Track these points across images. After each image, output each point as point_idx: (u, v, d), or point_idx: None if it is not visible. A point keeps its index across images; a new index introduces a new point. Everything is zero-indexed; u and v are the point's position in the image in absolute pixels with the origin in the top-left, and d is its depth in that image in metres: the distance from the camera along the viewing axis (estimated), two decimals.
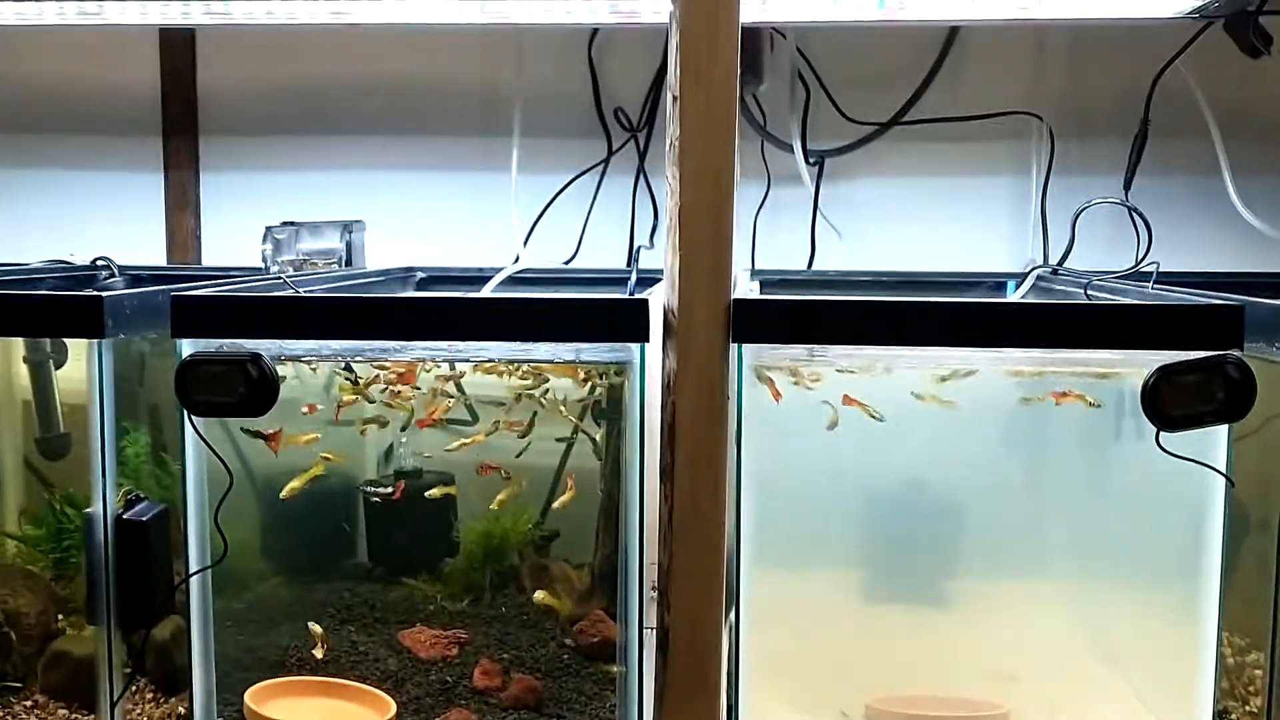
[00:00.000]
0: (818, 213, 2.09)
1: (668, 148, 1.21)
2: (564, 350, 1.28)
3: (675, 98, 1.19)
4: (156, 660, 1.49)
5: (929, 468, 1.39)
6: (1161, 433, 1.17)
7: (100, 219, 2.27)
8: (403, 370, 1.41)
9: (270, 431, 1.32)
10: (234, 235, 2.21)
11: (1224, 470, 1.25)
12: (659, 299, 1.26)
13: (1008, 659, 1.43)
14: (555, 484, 1.58)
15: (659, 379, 1.25)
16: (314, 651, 1.47)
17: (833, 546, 1.39)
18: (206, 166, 2.25)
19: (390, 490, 1.61)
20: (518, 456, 1.48)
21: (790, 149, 2.06)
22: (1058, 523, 1.42)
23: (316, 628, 1.49)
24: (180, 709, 1.46)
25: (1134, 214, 1.69)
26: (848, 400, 1.31)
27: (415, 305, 1.29)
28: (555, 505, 1.49)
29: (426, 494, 1.63)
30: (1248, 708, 1.36)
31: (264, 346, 1.26)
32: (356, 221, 2.07)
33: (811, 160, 2.07)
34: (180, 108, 2.24)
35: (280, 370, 1.38)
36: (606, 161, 2.12)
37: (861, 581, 1.43)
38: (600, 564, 1.60)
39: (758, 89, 2.04)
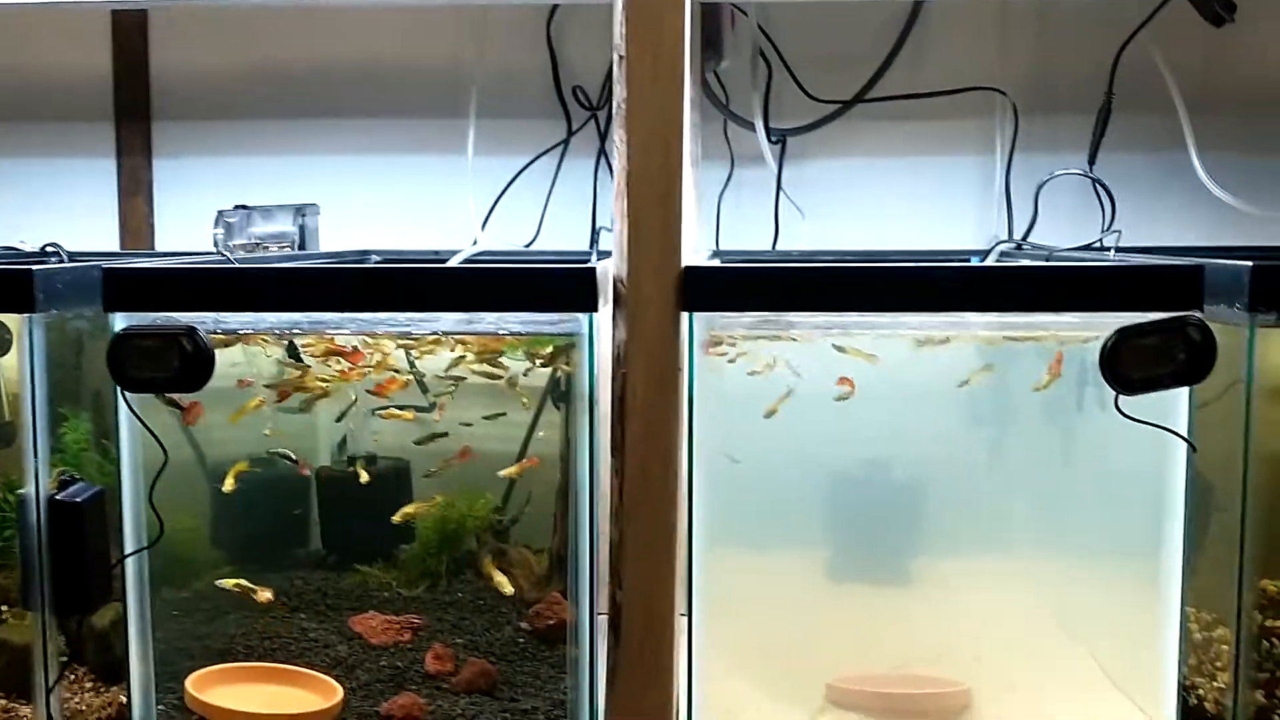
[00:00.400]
0: (781, 192, 2.06)
1: (615, 111, 1.18)
2: (511, 322, 1.24)
3: (621, 58, 1.16)
4: (97, 648, 1.44)
5: (890, 442, 1.36)
6: (1120, 396, 1.14)
7: (52, 206, 2.21)
8: (346, 345, 1.38)
9: (186, 403, 1.28)
10: (189, 221, 2.16)
11: (1184, 435, 1.23)
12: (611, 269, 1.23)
13: (970, 637, 1.40)
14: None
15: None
16: (257, 598, 1.43)
17: (790, 523, 1.36)
18: (160, 152, 2.20)
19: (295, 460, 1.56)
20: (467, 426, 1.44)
21: (753, 128, 2.03)
22: (1021, 496, 1.39)
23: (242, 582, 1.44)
24: (122, 698, 1.42)
25: (1097, 186, 1.66)
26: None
27: (353, 276, 1.25)
28: (504, 472, 1.45)
29: (360, 478, 1.59)
30: (1215, 683, 1.33)
31: (201, 321, 1.22)
32: (310, 205, 2.03)
33: (774, 139, 2.03)
34: (133, 92, 2.19)
35: (233, 354, 1.35)
36: (566, 142, 2.09)
37: (821, 559, 1.40)
38: (558, 547, 1.56)
39: (718, 66, 2.01)
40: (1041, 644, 1.39)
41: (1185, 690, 1.37)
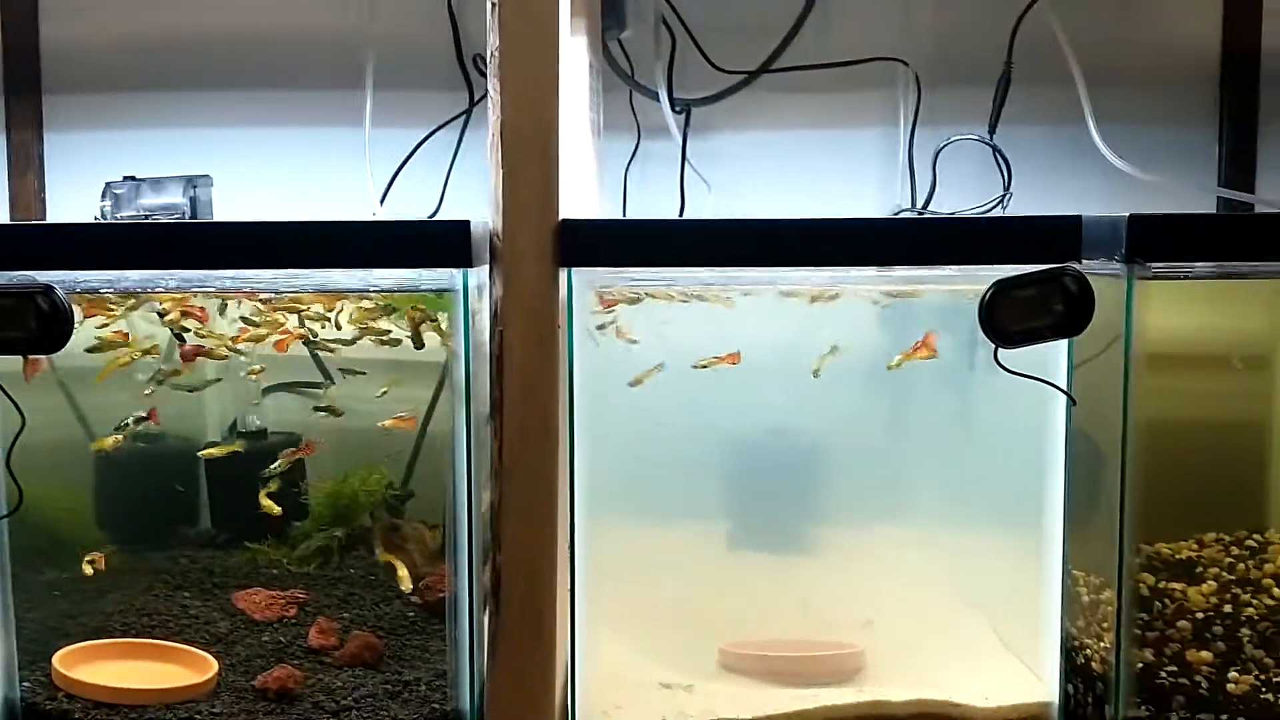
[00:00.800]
0: (685, 164, 2.03)
1: (489, 59, 1.15)
2: (384, 281, 1.21)
3: (494, 5, 1.13)
4: None
5: (778, 405, 1.35)
6: (999, 350, 1.13)
7: None
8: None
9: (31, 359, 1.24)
10: (81, 196, 2.09)
11: (1062, 387, 1.22)
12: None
13: (865, 602, 1.39)
14: (419, 444, 1.51)
15: None
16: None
17: (675, 488, 1.34)
18: (51, 126, 2.13)
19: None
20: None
21: (658, 98, 2.00)
22: (912, 460, 1.38)
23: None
24: None
25: (995, 153, 1.66)
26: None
27: (213, 231, 1.21)
28: (384, 423, 1.41)
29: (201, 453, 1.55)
30: (1102, 644, 1.33)
31: (59, 281, 1.17)
32: (203, 177, 1.97)
33: (678, 109, 2.01)
34: (22, 65, 2.12)
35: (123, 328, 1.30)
36: (469, 112, 2.05)
37: (710, 525, 1.38)
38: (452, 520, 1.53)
39: (621, 35, 1.98)
40: (936, 608, 1.39)
41: (1073, 650, 1.37)
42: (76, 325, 1.19)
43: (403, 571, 1.39)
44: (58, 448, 1.63)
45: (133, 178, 1.87)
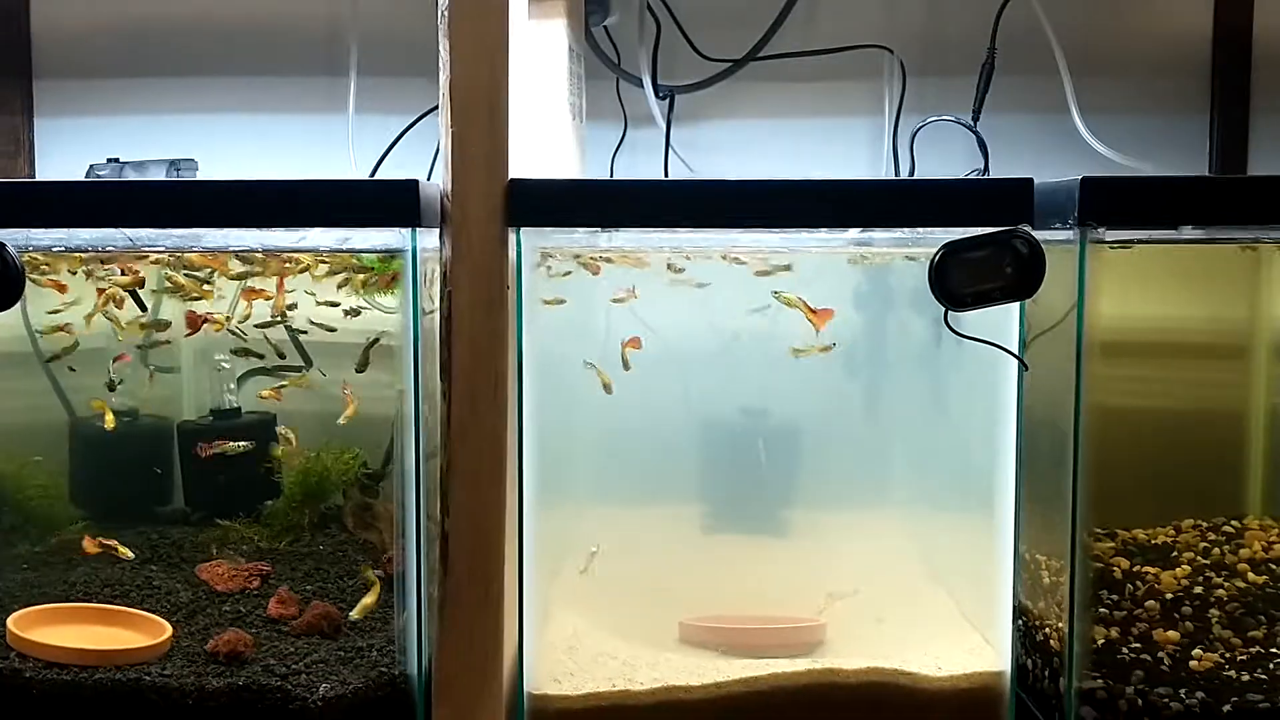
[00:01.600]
0: (669, 151, 2.03)
1: (439, 19, 1.15)
2: (329, 239, 1.20)
3: None
4: None
5: (740, 382, 1.33)
6: (950, 313, 1.11)
7: None
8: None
9: None
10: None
11: (1014, 351, 1.20)
12: None
13: (826, 577, 1.37)
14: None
15: None
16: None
17: (624, 459, 1.33)
18: (41, 111, 2.15)
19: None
20: None
21: (643, 86, 2.00)
22: (876, 435, 1.36)
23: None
24: None
25: (975, 135, 1.65)
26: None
27: (161, 190, 1.21)
28: (341, 420, 1.41)
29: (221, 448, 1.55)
30: (1061, 623, 1.31)
31: (11, 240, 1.17)
32: (187, 160, 1.98)
33: (662, 96, 2.01)
34: (12, 49, 2.14)
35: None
36: None
37: (670, 500, 1.37)
38: None
39: (606, 21, 1.98)
40: (899, 584, 1.37)
41: (1033, 629, 1.35)
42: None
43: (369, 599, 1.37)
44: (33, 426, 1.65)
45: (115, 160, 1.88)
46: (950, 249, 1.09)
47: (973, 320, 1.16)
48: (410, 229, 1.16)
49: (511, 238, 1.16)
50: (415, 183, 1.15)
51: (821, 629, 1.33)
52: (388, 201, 1.15)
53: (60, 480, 1.63)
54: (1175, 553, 1.37)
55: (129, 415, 1.65)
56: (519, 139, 1.17)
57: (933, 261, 1.10)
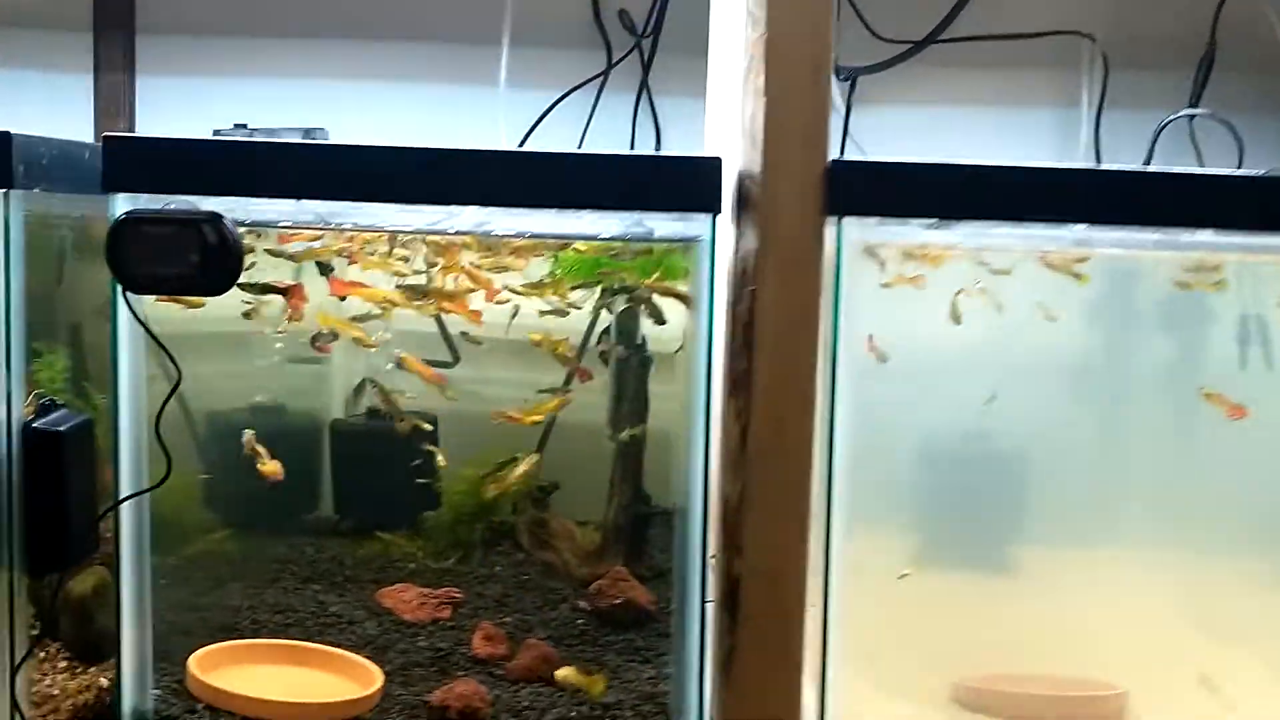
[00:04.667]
0: (847, 136, 1.85)
1: None
2: (609, 225, 1.02)
3: None
4: (73, 621, 1.19)
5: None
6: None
7: (15, 126, 1.95)
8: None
9: (285, 285, 1.06)
10: None
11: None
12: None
13: (1106, 633, 1.19)
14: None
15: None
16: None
17: (944, 493, 1.14)
18: (144, 70, 1.95)
19: None
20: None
21: None
22: (1165, 473, 1.19)
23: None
24: (102, 680, 1.17)
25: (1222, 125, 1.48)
26: None
27: (416, 158, 1.02)
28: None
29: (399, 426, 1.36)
30: None
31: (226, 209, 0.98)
32: (319, 129, 1.78)
33: (843, 77, 1.83)
34: (114, 2, 1.94)
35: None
36: (606, 74, 1.87)
37: (971, 536, 1.18)
38: (615, 516, 1.35)
39: None
40: (1195, 643, 1.19)
41: None
42: None
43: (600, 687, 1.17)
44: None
45: (243, 125, 1.69)
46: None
47: None
48: (711, 215, 0.97)
49: (829, 229, 0.98)
50: (719, 161, 0.96)
51: (1122, 698, 1.15)
52: (687, 183, 0.96)
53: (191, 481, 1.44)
54: None
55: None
56: None
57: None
